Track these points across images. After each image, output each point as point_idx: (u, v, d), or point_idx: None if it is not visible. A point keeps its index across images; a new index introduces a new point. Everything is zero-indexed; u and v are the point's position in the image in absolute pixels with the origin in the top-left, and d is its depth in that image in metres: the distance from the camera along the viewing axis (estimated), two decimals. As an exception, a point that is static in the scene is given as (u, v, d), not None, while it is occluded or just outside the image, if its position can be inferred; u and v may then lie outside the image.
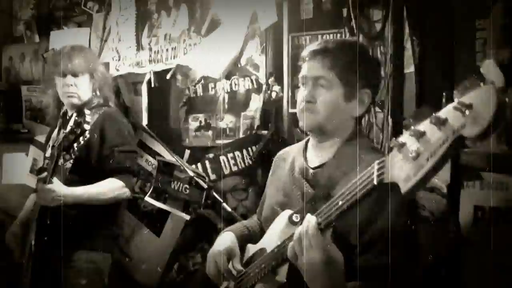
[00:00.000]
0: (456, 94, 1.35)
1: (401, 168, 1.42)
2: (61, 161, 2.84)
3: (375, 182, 1.51)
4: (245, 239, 2.33)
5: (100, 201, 3.10)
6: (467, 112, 1.29)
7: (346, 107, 2.04)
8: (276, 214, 2.10)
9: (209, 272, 2.26)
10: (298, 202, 2.07)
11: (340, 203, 1.65)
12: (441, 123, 1.34)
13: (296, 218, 1.96)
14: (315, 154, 2.14)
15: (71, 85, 3.23)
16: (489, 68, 1.99)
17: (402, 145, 1.43)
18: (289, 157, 2.27)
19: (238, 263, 2.19)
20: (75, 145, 2.79)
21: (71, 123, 3.10)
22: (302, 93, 2.09)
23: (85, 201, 3.04)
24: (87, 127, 2.80)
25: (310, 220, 1.73)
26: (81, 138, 2.80)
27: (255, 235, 2.35)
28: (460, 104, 1.30)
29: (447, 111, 1.34)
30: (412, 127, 1.42)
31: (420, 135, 1.38)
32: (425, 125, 1.38)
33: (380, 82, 2.34)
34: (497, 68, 1.97)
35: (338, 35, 3.26)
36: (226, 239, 2.29)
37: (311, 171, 2.09)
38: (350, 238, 1.84)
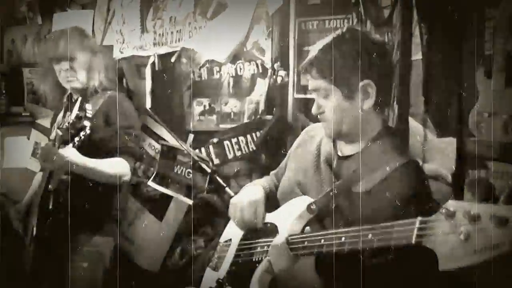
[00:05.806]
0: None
1: (445, 241, 1.33)
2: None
3: (412, 241, 1.43)
4: (267, 197, 2.36)
5: (105, 176, 3.08)
6: None
7: (351, 106, 2.03)
8: (294, 194, 2.15)
9: (232, 218, 2.33)
10: (318, 187, 2.10)
11: (370, 236, 1.59)
12: (503, 223, 1.24)
13: (313, 207, 2.01)
14: (344, 144, 2.15)
15: (67, 69, 3.20)
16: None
17: (452, 215, 1.34)
18: (318, 135, 2.28)
19: (261, 221, 2.24)
20: (76, 138, 2.79)
21: (75, 110, 3.11)
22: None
23: (92, 174, 3.01)
24: (87, 123, 2.80)
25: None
26: (81, 133, 2.80)
27: (272, 196, 2.37)
28: None
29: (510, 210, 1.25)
30: (466, 209, 1.31)
31: (473, 218, 1.29)
32: (482, 211, 1.29)
33: (389, 63, 2.24)
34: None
35: (345, 21, 3.25)
36: (255, 192, 2.33)
37: (337, 159, 2.11)
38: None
